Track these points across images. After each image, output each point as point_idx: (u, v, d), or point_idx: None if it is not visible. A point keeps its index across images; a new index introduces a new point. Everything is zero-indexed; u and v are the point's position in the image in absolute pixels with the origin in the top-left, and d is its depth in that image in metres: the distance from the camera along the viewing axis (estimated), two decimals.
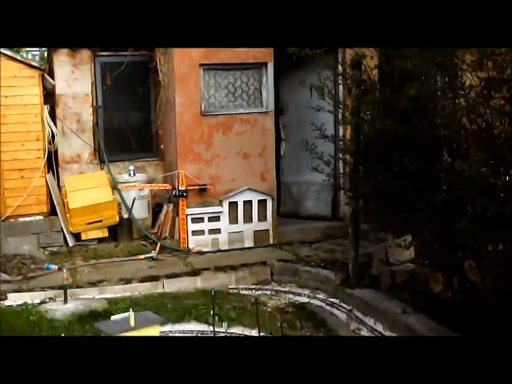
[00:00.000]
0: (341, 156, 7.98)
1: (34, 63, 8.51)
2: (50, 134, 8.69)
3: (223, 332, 5.86)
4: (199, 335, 5.87)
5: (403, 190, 6.12)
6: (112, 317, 5.82)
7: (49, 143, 8.69)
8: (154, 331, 5.48)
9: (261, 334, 5.56)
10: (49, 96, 9.10)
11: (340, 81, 8.31)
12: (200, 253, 8.76)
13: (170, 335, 5.69)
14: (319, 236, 9.42)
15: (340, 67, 7.68)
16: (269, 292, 7.72)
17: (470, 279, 6.35)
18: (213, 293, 5.84)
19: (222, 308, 6.68)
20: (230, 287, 7.70)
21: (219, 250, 8.94)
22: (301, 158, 9.48)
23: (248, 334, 5.69)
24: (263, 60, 9.01)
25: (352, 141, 7.18)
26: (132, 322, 5.38)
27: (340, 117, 7.30)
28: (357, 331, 6.51)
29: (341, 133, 8.76)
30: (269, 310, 6.89)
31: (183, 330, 6.09)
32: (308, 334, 6.23)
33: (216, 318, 6.32)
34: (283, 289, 7.83)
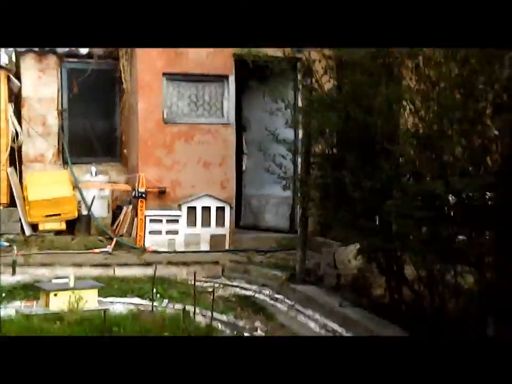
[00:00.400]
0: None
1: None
2: (14, 132, 8.96)
3: (161, 307, 6.02)
4: (139, 307, 6.00)
5: (342, 184, 6.44)
6: (53, 280, 6.02)
7: (13, 141, 8.95)
8: (93, 294, 5.69)
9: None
10: (15, 97, 9.42)
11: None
12: (156, 252, 8.93)
13: (112, 306, 5.81)
14: (275, 246, 9.64)
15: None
16: (217, 285, 7.88)
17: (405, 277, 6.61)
18: (155, 267, 6.03)
19: (166, 290, 6.85)
20: (179, 277, 7.83)
21: (175, 252, 9.12)
22: (262, 173, 9.79)
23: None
24: (224, 72, 9.44)
25: (303, 143, 7.53)
26: (72, 283, 5.60)
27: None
28: (293, 317, 6.71)
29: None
30: (213, 297, 7.05)
31: (125, 302, 6.23)
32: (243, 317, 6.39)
33: (158, 295, 6.52)
34: (231, 283, 8.01)
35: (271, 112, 7.62)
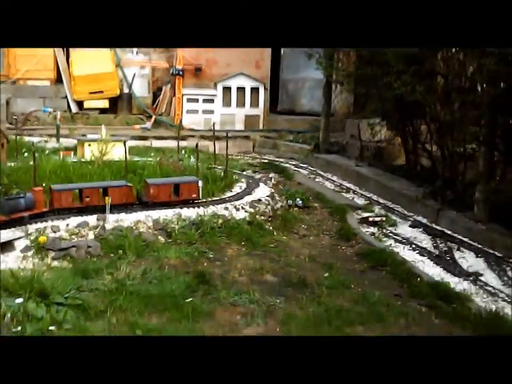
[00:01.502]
0: None
1: None
2: None
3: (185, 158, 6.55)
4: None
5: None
6: (88, 135, 6.63)
7: None
8: (120, 145, 6.22)
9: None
10: None
11: None
12: (192, 130, 9.43)
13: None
14: (307, 127, 9.97)
15: None
16: (247, 157, 8.38)
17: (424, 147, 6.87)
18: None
19: (194, 154, 7.38)
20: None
21: (211, 130, 9.58)
22: (299, 57, 9.97)
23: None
24: None
25: None
26: (103, 134, 6.17)
27: None
28: (312, 178, 7.15)
29: None
30: (240, 163, 7.56)
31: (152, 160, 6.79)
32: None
33: (186, 155, 7.07)
34: (260, 157, 8.49)
35: None
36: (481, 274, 4.23)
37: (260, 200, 5.13)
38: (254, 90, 9.77)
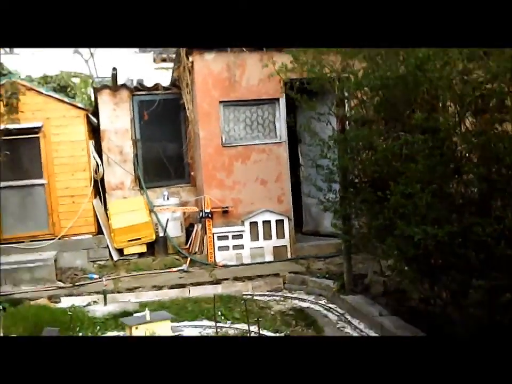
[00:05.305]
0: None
1: (79, 105, 10.17)
2: (96, 165, 10.32)
3: (225, 327, 7.17)
4: (206, 329, 7.17)
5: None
6: (135, 314, 7.30)
7: (95, 173, 10.33)
8: (165, 324, 6.89)
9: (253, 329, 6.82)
10: (94, 132, 10.77)
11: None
12: (225, 266, 10.10)
13: (177, 333, 6.97)
14: (333, 251, 10.54)
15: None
16: (278, 298, 8.97)
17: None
18: (213, 296, 7.20)
19: (232, 310, 8.00)
20: (244, 293, 8.95)
21: (242, 264, 10.25)
22: (317, 182, 10.67)
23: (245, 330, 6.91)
24: (275, 96, 10.33)
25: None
26: (148, 317, 6.82)
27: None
28: (341, 328, 7.69)
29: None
30: (272, 312, 8.15)
31: (194, 325, 7.42)
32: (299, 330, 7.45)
33: (223, 317, 7.67)
34: (291, 295, 9.08)
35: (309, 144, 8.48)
36: None
37: None
38: (279, 222, 10.44)
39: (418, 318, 7.48)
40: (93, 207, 10.02)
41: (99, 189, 10.62)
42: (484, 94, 5.82)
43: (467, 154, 6.24)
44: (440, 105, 6.56)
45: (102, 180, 10.74)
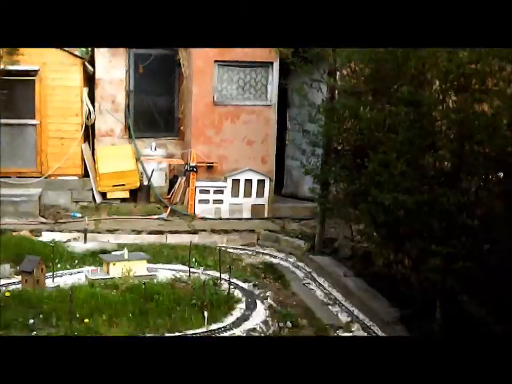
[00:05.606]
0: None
1: (77, 53, 10.39)
2: (88, 111, 10.59)
3: (197, 272, 7.58)
4: (180, 273, 7.58)
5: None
6: (113, 252, 7.70)
7: (87, 118, 10.62)
8: (142, 264, 7.30)
9: (224, 277, 7.23)
10: (89, 80, 11.01)
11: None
12: (204, 218, 10.49)
13: (152, 273, 7.34)
14: (309, 215, 10.94)
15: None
16: (250, 252, 9.41)
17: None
18: (190, 242, 7.64)
19: (205, 258, 8.42)
20: (219, 245, 9.36)
21: (220, 218, 10.64)
22: (302, 145, 11.01)
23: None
24: (269, 59, 10.57)
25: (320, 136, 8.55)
26: (126, 256, 7.22)
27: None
28: (307, 284, 8.15)
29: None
30: (243, 264, 8.58)
31: (168, 268, 7.83)
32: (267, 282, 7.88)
33: (196, 263, 8.09)
34: (263, 251, 9.52)
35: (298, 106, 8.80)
36: None
37: (255, 328, 6.11)
38: (260, 182, 10.80)
39: (380, 281, 7.96)
40: (81, 151, 10.33)
41: (89, 134, 10.91)
42: (467, 73, 6.15)
43: (445, 130, 6.64)
44: (426, 81, 6.91)
45: (93, 126, 11.02)
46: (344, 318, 7.02)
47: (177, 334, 5.72)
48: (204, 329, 5.91)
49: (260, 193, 10.83)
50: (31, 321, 5.82)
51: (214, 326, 6.01)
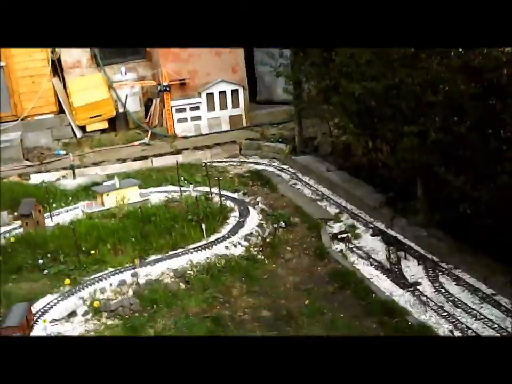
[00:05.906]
0: None
1: None
2: None
3: (188, 190, 7.86)
4: (171, 193, 7.86)
5: None
6: (104, 183, 7.94)
7: (52, 53, 10.50)
8: (134, 190, 7.56)
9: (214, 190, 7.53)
10: None
11: None
12: (185, 137, 10.67)
13: (146, 197, 7.61)
14: (286, 117, 11.12)
15: None
16: (235, 163, 9.69)
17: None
18: (176, 162, 7.87)
19: (193, 175, 8.69)
20: (204, 161, 9.61)
21: (200, 135, 10.83)
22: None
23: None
24: None
25: None
26: (117, 184, 7.46)
27: None
28: (293, 185, 8.51)
29: None
30: (230, 175, 8.89)
31: (160, 191, 8.11)
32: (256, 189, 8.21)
33: (186, 181, 8.37)
34: (247, 160, 9.80)
35: None
36: (419, 284, 5.58)
37: (251, 233, 6.49)
38: (234, 92, 10.90)
39: (361, 170, 8.32)
40: (53, 86, 10.30)
41: (57, 68, 10.82)
42: None
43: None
44: None
45: (59, 59, 10.90)
46: (333, 210, 7.42)
47: (179, 250, 6.10)
48: (204, 242, 6.28)
49: (235, 104, 10.95)
50: (40, 261, 6.15)
51: (212, 238, 6.40)
